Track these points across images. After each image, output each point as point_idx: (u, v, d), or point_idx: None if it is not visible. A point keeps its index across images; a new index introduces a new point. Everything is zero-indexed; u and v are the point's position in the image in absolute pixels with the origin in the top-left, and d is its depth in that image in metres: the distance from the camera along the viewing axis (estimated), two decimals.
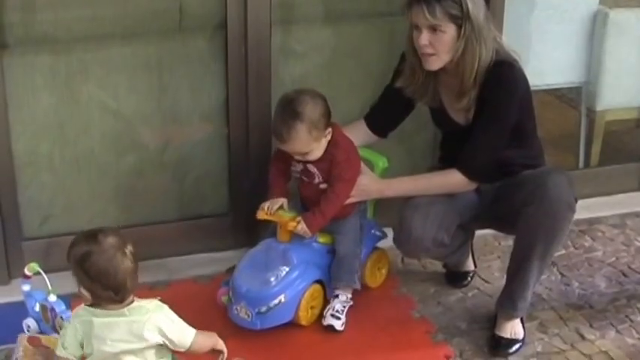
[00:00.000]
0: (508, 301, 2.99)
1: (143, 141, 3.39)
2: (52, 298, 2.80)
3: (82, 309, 2.41)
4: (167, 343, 2.39)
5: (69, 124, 3.26)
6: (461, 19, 2.80)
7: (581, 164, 4.15)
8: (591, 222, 3.81)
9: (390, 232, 3.13)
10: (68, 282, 2.87)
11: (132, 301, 2.39)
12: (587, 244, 3.67)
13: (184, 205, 3.50)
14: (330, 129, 2.95)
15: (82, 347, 2.40)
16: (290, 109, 2.90)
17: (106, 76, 3.26)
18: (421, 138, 3.67)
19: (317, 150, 2.95)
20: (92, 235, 2.34)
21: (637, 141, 4.34)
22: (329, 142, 2.98)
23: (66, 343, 2.42)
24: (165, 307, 2.41)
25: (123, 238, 2.37)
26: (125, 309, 2.36)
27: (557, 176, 2.90)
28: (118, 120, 3.32)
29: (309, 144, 2.92)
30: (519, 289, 2.95)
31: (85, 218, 3.35)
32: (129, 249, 2.36)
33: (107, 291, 2.33)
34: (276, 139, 2.96)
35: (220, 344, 2.55)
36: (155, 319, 2.36)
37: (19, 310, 2.89)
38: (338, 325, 3.02)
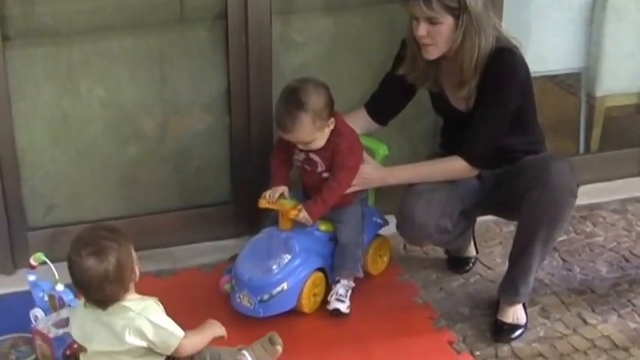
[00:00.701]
0: (510, 287, 3.00)
1: (145, 131, 3.40)
2: (60, 287, 2.81)
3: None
4: (151, 345, 2.40)
5: (71, 116, 3.27)
6: (458, 9, 2.80)
7: (581, 150, 4.15)
8: (592, 208, 3.82)
9: (391, 220, 3.14)
10: None
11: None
12: (588, 230, 3.68)
13: (187, 195, 3.52)
14: (333, 118, 2.97)
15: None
16: (294, 98, 2.91)
17: (107, 67, 3.27)
18: (421, 126, 3.68)
19: (320, 139, 2.96)
20: (76, 248, 2.34)
21: (637, 126, 4.34)
22: (332, 132, 2.99)
23: (72, 326, 2.48)
24: (154, 310, 2.41)
25: (105, 250, 2.33)
26: (110, 307, 2.38)
27: (559, 162, 2.91)
28: (120, 111, 3.33)
29: (312, 133, 2.93)
30: (522, 274, 2.97)
31: (88, 208, 3.38)
32: (109, 262, 2.32)
33: (89, 300, 2.39)
34: (279, 129, 2.97)
35: (219, 331, 2.58)
36: (137, 324, 2.37)
37: (25, 299, 2.90)
38: (344, 307, 3.04)
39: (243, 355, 2.67)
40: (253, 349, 2.70)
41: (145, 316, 2.38)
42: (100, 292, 2.35)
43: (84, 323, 2.43)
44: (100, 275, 2.32)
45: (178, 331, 2.43)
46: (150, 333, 2.37)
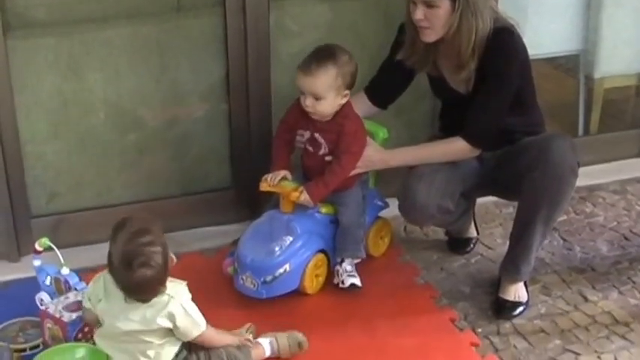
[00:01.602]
0: (511, 266, 3.03)
1: (146, 119, 3.42)
2: (65, 270, 2.83)
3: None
4: (173, 328, 2.45)
5: (72, 105, 3.29)
6: None
7: (580, 132, 4.15)
8: (592, 189, 3.84)
9: (392, 202, 3.17)
10: (75, 257, 2.98)
11: None
12: (588, 210, 3.70)
13: (188, 181, 3.53)
14: (348, 92, 2.99)
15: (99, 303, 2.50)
16: (328, 50, 2.98)
17: (107, 56, 3.28)
18: (419, 111, 3.70)
19: (329, 103, 2.97)
20: (125, 262, 2.36)
21: (636, 107, 4.34)
22: (340, 113, 3.02)
23: (90, 295, 2.53)
24: (185, 295, 2.47)
25: (152, 257, 2.38)
26: None
27: (560, 141, 2.93)
28: (120, 99, 3.35)
29: (328, 89, 2.94)
30: (523, 253, 2.99)
31: (90, 195, 3.41)
32: (159, 264, 2.38)
33: (133, 298, 2.44)
34: (302, 73, 2.96)
35: (236, 341, 2.62)
36: (171, 307, 2.42)
37: (31, 285, 2.92)
38: (358, 281, 3.07)
39: (258, 343, 2.72)
40: (277, 338, 2.76)
41: (178, 300, 2.43)
42: (152, 293, 2.42)
43: (113, 299, 2.46)
44: (154, 281, 2.39)
45: (202, 323, 2.49)
46: (179, 318, 2.43)
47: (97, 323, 2.55)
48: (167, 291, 2.44)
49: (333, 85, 2.94)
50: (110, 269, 2.42)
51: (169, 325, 2.43)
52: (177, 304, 2.43)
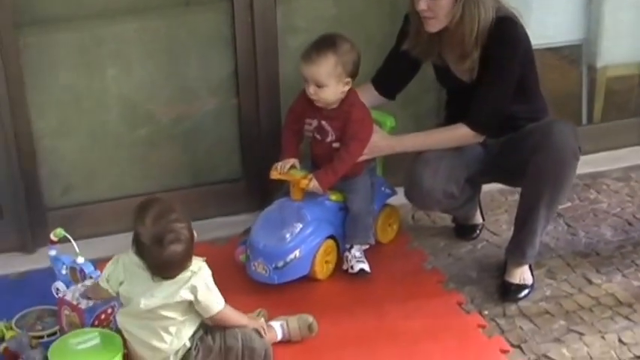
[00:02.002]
0: (517, 249, 3.08)
1: (157, 113, 3.47)
2: (80, 259, 2.88)
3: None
4: (194, 302, 2.50)
5: (84, 99, 3.35)
6: None
7: (584, 121, 4.18)
8: (595, 176, 3.88)
9: (400, 192, 3.22)
10: (90, 248, 3.03)
11: None
12: (592, 197, 3.74)
13: (199, 172, 3.59)
14: (350, 80, 3.05)
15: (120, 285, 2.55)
16: (330, 39, 3.03)
17: (118, 50, 3.34)
18: (425, 103, 3.75)
19: (332, 91, 3.03)
20: (156, 241, 2.42)
21: (638, 96, 4.36)
22: (345, 101, 3.08)
23: (109, 276, 2.57)
24: (207, 271, 2.53)
25: (180, 233, 2.45)
26: None
27: (561, 126, 2.99)
28: (132, 93, 3.41)
29: (329, 76, 3.00)
30: (527, 236, 3.04)
31: (103, 188, 3.47)
32: (187, 239, 2.46)
33: (159, 276, 2.49)
34: (303, 61, 3.03)
35: (255, 325, 2.67)
36: (193, 282, 2.48)
37: (47, 276, 2.99)
38: (367, 267, 3.13)
39: (270, 326, 2.78)
40: (288, 322, 2.81)
41: (201, 276, 2.50)
42: (180, 268, 2.48)
43: (136, 280, 2.52)
44: (184, 255, 2.46)
45: (221, 300, 2.55)
46: (201, 292, 2.49)
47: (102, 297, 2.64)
48: (190, 267, 2.50)
49: (333, 72, 3.00)
50: (139, 250, 2.47)
51: (191, 297, 2.48)
52: (200, 279, 2.49)
